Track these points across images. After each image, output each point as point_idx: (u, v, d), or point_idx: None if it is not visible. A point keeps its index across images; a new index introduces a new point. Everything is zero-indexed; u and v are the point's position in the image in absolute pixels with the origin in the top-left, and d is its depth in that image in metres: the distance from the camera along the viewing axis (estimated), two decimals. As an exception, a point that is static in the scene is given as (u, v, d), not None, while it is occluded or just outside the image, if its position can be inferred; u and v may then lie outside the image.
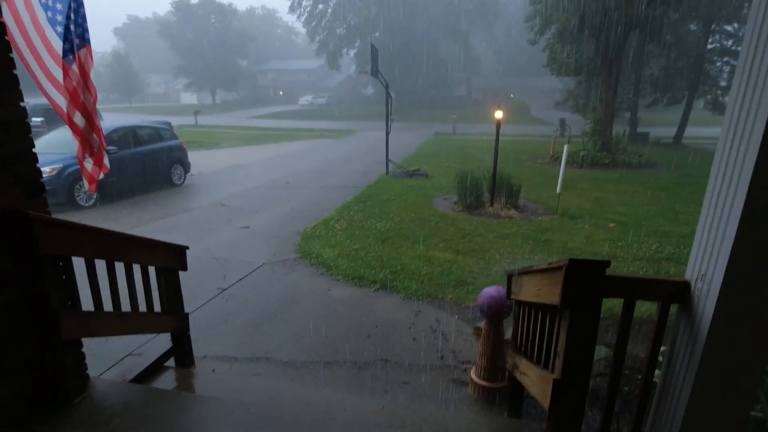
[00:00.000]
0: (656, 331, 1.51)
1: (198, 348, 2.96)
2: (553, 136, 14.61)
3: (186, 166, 10.11)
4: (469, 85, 47.41)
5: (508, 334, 2.76)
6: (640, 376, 2.88)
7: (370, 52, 9.60)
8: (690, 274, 1.40)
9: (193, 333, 2.83)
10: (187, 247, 2.57)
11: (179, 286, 2.60)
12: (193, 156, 10.87)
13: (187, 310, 2.72)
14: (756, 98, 1.16)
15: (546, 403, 1.63)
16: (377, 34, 36.83)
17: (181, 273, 2.59)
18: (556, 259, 5.50)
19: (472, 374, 2.77)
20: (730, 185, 1.23)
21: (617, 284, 1.48)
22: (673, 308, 1.50)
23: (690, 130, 21.80)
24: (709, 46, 20.64)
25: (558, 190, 7.61)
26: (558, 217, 7.46)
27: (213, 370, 3.01)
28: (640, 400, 1.62)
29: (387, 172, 11.19)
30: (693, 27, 19.94)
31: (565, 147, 7.50)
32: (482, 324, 2.79)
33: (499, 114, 7.42)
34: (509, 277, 2.33)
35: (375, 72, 9.53)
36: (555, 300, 1.52)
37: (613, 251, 5.73)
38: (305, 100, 50.01)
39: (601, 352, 2.74)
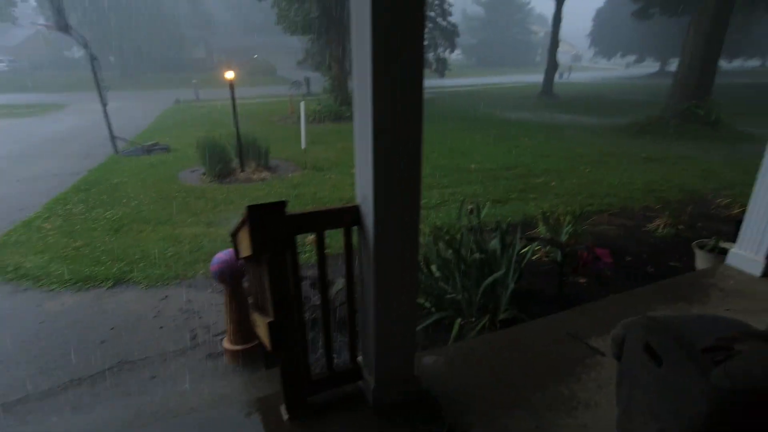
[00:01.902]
0: (346, 252, 1.73)
1: None
2: (289, 95, 15.00)
3: None
4: (208, 46, 43.61)
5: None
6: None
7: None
8: (358, 198, 1.63)
9: None
10: None
11: None
12: None
13: None
14: (363, 58, 1.35)
15: (269, 345, 1.70)
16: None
17: None
18: (308, 211, 5.84)
19: (225, 342, 2.70)
20: (365, 124, 1.44)
21: (304, 220, 1.60)
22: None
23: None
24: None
25: (303, 146, 7.94)
26: (308, 172, 7.84)
27: None
28: (348, 309, 1.86)
29: (116, 151, 9.44)
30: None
31: (301, 104, 7.80)
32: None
33: (230, 74, 7.06)
34: (233, 238, 2.29)
35: (64, 27, 7.57)
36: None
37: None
38: (-32, 65, 36.13)
39: (339, 283, 3.06)
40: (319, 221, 1.63)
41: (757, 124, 11.87)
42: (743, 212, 5.00)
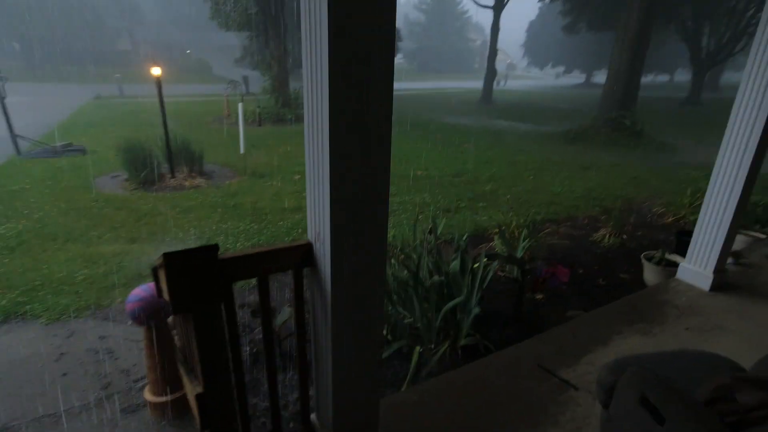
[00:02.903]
0: (296, 297, 1.42)
1: None
2: (224, 94, 14.12)
3: None
4: (134, 38, 40.50)
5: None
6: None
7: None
8: (310, 235, 1.32)
9: None
10: None
11: None
12: None
13: None
14: (317, 92, 1.05)
15: (198, 420, 1.34)
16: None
17: None
18: (246, 223, 5.36)
19: (146, 393, 2.26)
20: (318, 147, 1.15)
21: (241, 265, 1.26)
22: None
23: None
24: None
25: (241, 150, 7.40)
26: (247, 178, 7.31)
27: None
28: (299, 362, 1.54)
29: (18, 152, 8.26)
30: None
31: (240, 105, 7.26)
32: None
33: (156, 70, 6.37)
34: (154, 273, 1.88)
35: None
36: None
37: (299, 202, 6.04)
38: None
39: (285, 314, 2.71)
40: (261, 265, 1.30)
41: (671, 134, 12.94)
42: (676, 221, 5.28)
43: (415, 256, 2.86)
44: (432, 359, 2.64)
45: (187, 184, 6.88)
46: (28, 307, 3.22)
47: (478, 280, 2.66)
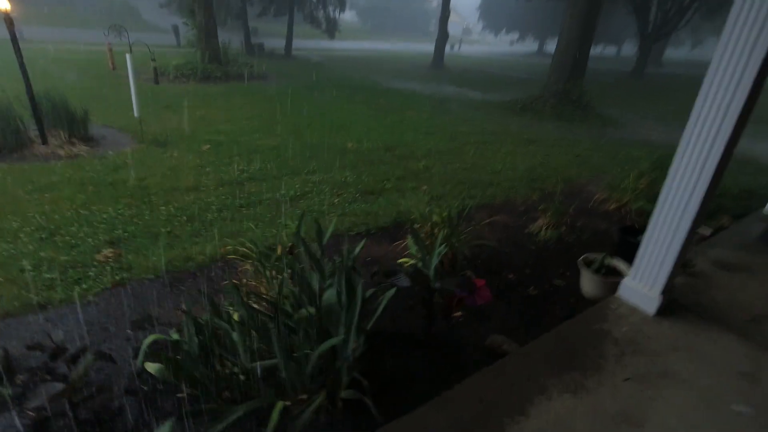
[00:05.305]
0: None
1: None
2: (107, 43, 11.94)
3: None
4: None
5: None
6: None
7: None
8: None
9: None
10: None
11: None
12: None
13: None
14: None
15: None
16: None
17: None
18: (118, 207, 4.31)
19: None
20: None
21: None
22: None
23: (297, 42, 23.75)
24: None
25: (135, 113, 6.16)
26: (145, 147, 6.13)
27: None
28: None
29: None
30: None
31: (128, 56, 5.95)
32: None
33: (4, 4, 4.93)
34: None
35: None
36: None
37: (198, 180, 5.04)
38: None
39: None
40: None
41: (617, 108, 12.76)
42: (618, 209, 4.82)
43: (277, 278, 2.07)
44: (299, 420, 1.92)
45: (62, 152, 5.63)
46: None
47: (356, 314, 1.92)
